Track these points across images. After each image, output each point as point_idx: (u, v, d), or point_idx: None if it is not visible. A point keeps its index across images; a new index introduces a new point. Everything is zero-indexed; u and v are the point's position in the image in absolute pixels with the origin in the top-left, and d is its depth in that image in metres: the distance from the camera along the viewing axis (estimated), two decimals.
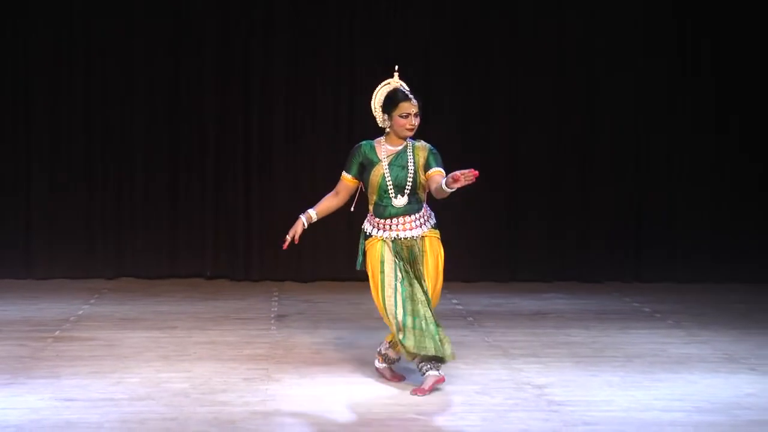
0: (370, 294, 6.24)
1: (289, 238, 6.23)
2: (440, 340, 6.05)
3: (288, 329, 7.92)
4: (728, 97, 10.21)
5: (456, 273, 10.06)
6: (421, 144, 6.22)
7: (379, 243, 6.17)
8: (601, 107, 10.24)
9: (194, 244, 10.14)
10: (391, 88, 6.20)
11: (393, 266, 6.13)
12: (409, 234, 6.16)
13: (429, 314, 6.07)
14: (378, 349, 6.37)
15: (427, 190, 6.23)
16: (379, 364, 6.39)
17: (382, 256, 6.15)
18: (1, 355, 6.93)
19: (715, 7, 10.19)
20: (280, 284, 9.94)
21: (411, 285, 6.11)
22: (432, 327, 6.05)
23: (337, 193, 6.31)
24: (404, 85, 6.25)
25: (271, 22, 10.10)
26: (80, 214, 10.08)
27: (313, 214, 6.27)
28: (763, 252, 10.14)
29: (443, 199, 6.12)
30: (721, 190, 10.27)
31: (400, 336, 6.05)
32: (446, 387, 6.20)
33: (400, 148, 6.19)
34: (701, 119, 10.25)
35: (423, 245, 6.18)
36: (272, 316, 8.51)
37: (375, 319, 8.32)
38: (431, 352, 6.03)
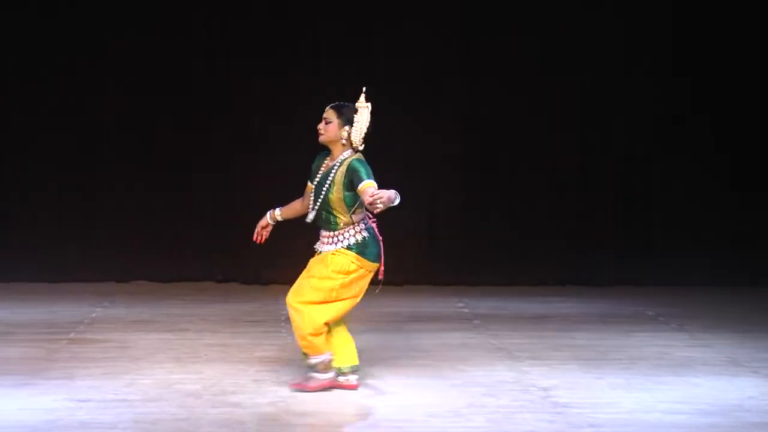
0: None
1: (257, 229, 6.38)
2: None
3: None
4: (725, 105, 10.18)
5: (462, 276, 10.14)
6: (349, 159, 6.14)
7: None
8: (603, 110, 10.21)
9: (205, 248, 10.13)
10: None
11: None
12: (324, 249, 6.18)
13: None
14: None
15: (356, 208, 6.09)
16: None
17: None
18: (17, 357, 6.93)
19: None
20: (289, 288, 9.90)
21: None
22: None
23: (303, 198, 6.37)
24: (360, 105, 6.14)
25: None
26: (94, 220, 10.08)
27: (277, 213, 6.41)
28: (761, 254, 10.12)
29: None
30: (722, 194, 10.25)
31: None
32: (453, 389, 6.21)
33: (334, 162, 6.19)
34: (699, 124, 10.22)
35: (320, 257, 6.18)
36: (282, 318, 8.47)
37: (385, 323, 8.32)
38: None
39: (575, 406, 5.88)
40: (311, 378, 6.17)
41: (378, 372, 6.59)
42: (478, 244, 10.15)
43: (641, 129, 10.25)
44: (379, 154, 9.96)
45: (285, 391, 6.14)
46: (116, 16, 10.05)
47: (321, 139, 6.20)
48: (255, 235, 6.39)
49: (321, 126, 6.18)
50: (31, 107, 10.04)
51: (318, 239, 6.24)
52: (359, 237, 6.14)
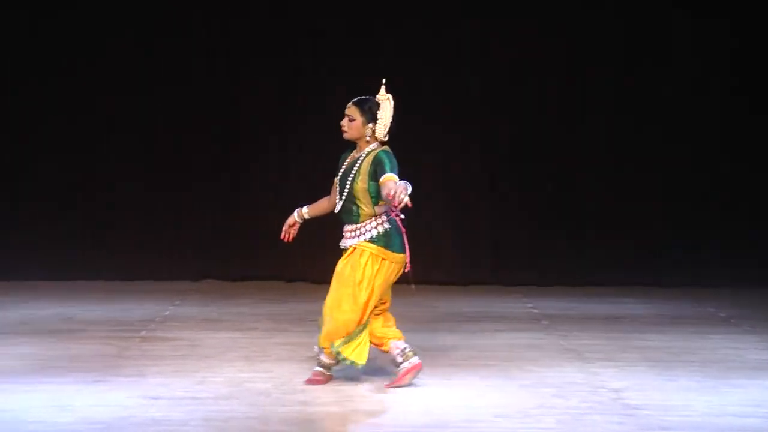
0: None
1: (284, 228, 6.42)
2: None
3: None
4: None
5: (531, 277, 10.11)
6: (376, 150, 6.18)
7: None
8: (674, 113, 10.15)
9: (274, 248, 10.18)
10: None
11: None
12: (346, 244, 6.23)
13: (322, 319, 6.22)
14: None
15: (381, 201, 6.11)
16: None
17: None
18: (90, 354, 7.05)
19: None
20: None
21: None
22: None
23: (330, 196, 6.40)
24: (382, 97, 6.17)
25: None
26: (165, 219, 10.21)
27: (304, 211, 6.44)
28: None
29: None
30: None
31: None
32: (521, 390, 6.20)
33: (360, 154, 6.21)
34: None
35: (346, 254, 6.20)
36: None
37: (453, 323, 8.33)
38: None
39: (646, 408, 5.84)
40: (319, 372, 6.27)
41: (446, 372, 6.60)
42: (547, 244, 10.12)
43: (715, 128, 10.14)
44: (442, 149, 9.98)
45: (353, 390, 6.17)
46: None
47: (345, 136, 6.21)
48: (282, 234, 6.43)
49: (344, 123, 6.17)
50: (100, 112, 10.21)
51: (341, 237, 6.27)
52: (381, 229, 6.15)
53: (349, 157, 6.26)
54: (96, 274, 10.08)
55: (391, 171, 6.04)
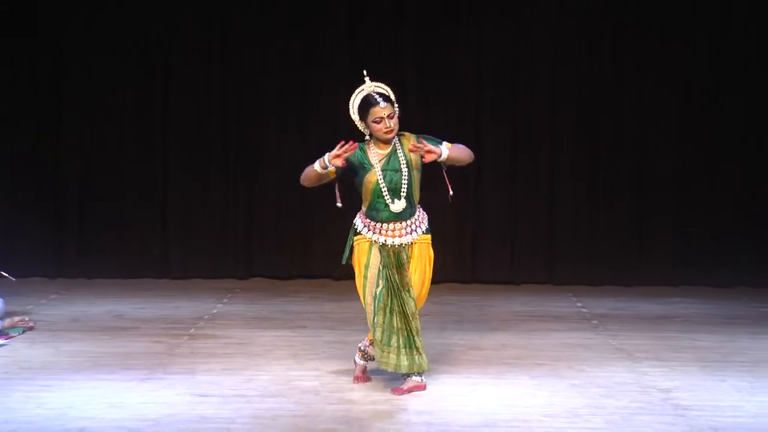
0: (362, 292, 6.23)
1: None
2: (417, 354, 6.06)
3: None
4: None
5: (581, 276, 10.05)
6: (407, 137, 6.15)
7: (368, 243, 6.14)
8: (726, 110, 10.02)
9: (323, 246, 10.23)
10: (364, 95, 6.10)
11: (376, 273, 6.11)
12: (398, 241, 6.10)
13: (410, 326, 6.05)
14: (359, 346, 6.39)
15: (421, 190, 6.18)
16: (358, 360, 6.39)
17: (369, 258, 6.13)
18: (140, 351, 7.11)
19: None
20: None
21: (390, 294, 6.08)
22: (411, 340, 6.05)
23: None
24: (381, 87, 6.13)
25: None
26: (214, 217, 10.25)
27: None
28: None
29: (460, 159, 6.09)
30: None
31: (377, 350, 6.13)
32: (570, 389, 6.17)
33: (389, 149, 6.11)
34: None
35: (411, 251, 6.14)
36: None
37: (500, 321, 8.30)
38: (405, 369, 6.06)
39: (696, 408, 5.79)
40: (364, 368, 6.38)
41: (495, 371, 6.59)
42: (597, 244, 10.04)
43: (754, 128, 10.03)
44: (501, 149, 9.91)
45: None
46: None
47: (390, 136, 6.06)
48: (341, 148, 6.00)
49: (390, 123, 6.03)
50: (156, 113, 10.27)
51: (372, 230, 6.12)
52: (425, 216, 6.23)
53: (375, 155, 6.09)
54: (146, 272, 10.15)
55: (442, 142, 6.10)
